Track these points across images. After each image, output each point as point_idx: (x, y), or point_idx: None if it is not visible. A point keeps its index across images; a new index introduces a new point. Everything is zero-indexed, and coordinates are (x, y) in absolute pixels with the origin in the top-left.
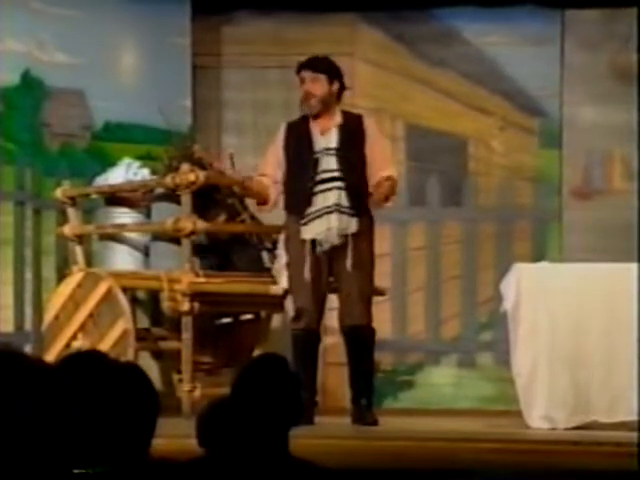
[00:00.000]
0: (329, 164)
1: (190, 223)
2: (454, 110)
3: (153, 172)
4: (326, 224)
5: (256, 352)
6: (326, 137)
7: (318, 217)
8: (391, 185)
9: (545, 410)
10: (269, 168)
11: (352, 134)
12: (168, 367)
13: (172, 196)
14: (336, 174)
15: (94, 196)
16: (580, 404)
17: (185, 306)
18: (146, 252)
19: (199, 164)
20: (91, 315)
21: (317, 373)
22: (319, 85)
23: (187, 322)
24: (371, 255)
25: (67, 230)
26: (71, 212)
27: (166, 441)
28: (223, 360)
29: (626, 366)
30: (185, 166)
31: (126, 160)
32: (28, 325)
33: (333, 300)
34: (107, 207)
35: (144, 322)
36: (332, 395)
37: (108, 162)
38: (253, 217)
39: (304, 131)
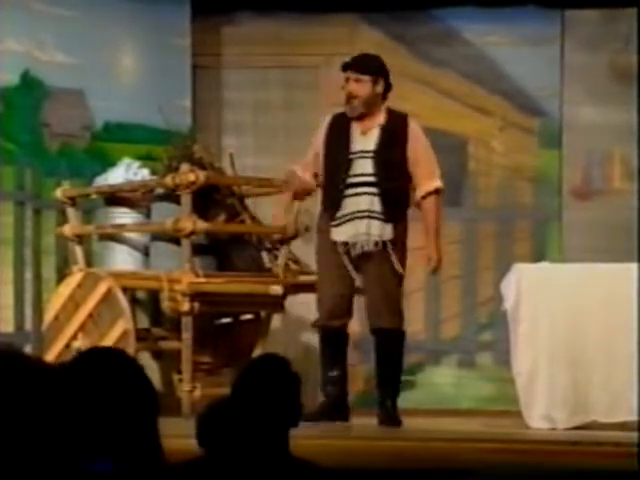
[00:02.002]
0: (364, 167)
1: (190, 223)
2: (454, 110)
3: (153, 172)
4: (356, 229)
5: (256, 352)
6: (366, 138)
7: (349, 221)
8: (437, 261)
9: (545, 410)
10: (307, 158)
11: (394, 136)
12: (168, 367)
13: (172, 196)
14: (370, 179)
15: (94, 196)
16: (580, 404)
17: (185, 306)
18: (146, 252)
19: (199, 164)
20: (91, 315)
21: (346, 372)
22: (362, 86)
23: (187, 322)
24: (404, 260)
25: (67, 230)
26: (71, 212)
27: (166, 441)
28: (223, 360)
29: (626, 366)
30: (185, 166)
31: (126, 160)
32: (28, 325)
33: None
34: (107, 207)
35: (144, 322)
36: None
37: (108, 162)
38: (253, 217)
39: (345, 128)
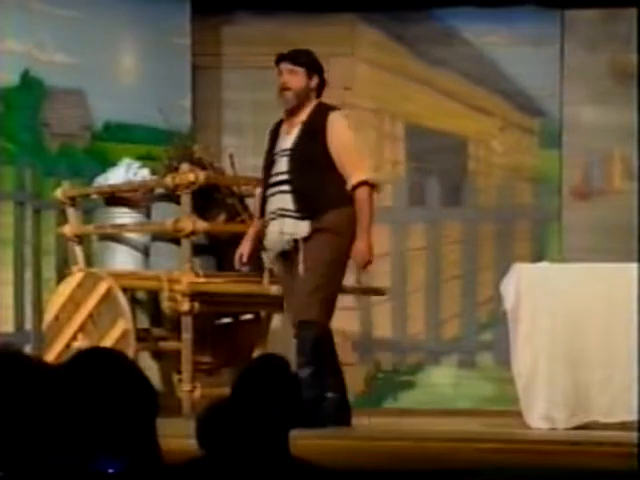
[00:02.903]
0: (281, 166)
1: (190, 223)
2: (454, 110)
3: (153, 172)
4: (272, 229)
5: (256, 352)
6: (289, 136)
7: (270, 222)
8: (363, 255)
9: (545, 410)
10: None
11: (314, 131)
12: (168, 367)
13: (172, 196)
14: (284, 177)
15: (94, 196)
16: (580, 404)
17: (185, 306)
18: (146, 252)
19: (199, 164)
20: (91, 315)
21: (322, 372)
22: (296, 78)
23: (187, 322)
24: (330, 256)
25: (67, 230)
26: (71, 212)
27: (166, 441)
28: (223, 360)
29: (626, 366)
30: (185, 166)
31: (126, 160)
32: (28, 325)
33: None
34: (107, 207)
35: (144, 322)
36: None
37: (108, 162)
38: (253, 217)
39: (275, 131)
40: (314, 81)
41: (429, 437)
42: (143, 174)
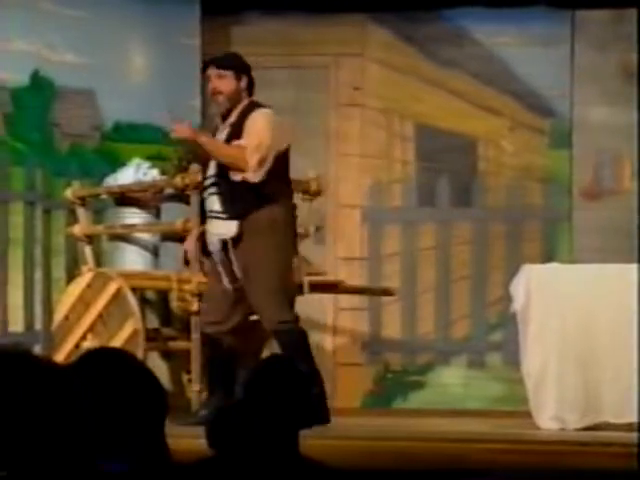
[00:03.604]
0: (211, 169)
1: (197, 224)
2: (464, 110)
3: (163, 172)
4: (208, 230)
5: (265, 352)
6: (220, 140)
7: (207, 223)
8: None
9: (555, 411)
10: None
11: (238, 133)
12: (177, 367)
13: (182, 196)
14: (213, 180)
15: (104, 196)
16: (590, 405)
17: (194, 306)
18: (156, 252)
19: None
20: (101, 315)
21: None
22: (225, 82)
23: (196, 322)
24: (264, 254)
25: (77, 230)
26: (81, 212)
27: (175, 441)
28: None
29: (636, 366)
30: (194, 166)
31: (136, 160)
32: (38, 325)
33: (342, 300)
34: (117, 207)
35: (154, 322)
36: (344, 395)
37: (118, 162)
38: None
39: (213, 134)
40: (243, 82)
41: (438, 437)
42: (153, 174)
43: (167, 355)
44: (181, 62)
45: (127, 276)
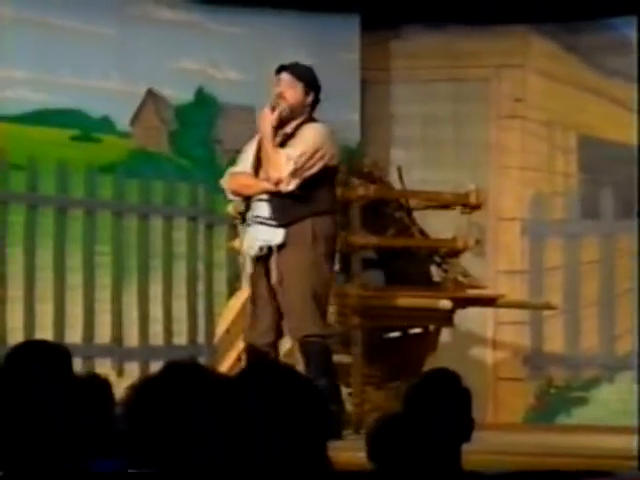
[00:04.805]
0: (262, 174)
1: (360, 237)
2: (628, 120)
3: None
4: (249, 236)
5: (425, 367)
6: None
7: (248, 228)
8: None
9: None
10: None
11: (286, 144)
12: (338, 381)
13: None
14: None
15: None
16: None
17: (354, 320)
18: None
19: (368, 178)
20: None
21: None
22: (294, 92)
23: (356, 336)
24: (305, 266)
25: (238, 245)
26: (242, 227)
27: (335, 454)
28: (392, 374)
29: None
30: (354, 180)
31: None
32: (201, 338)
33: (503, 313)
34: None
35: None
36: (505, 410)
37: None
38: (422, 231)
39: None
40: (310, 97)
41: (602, 454)
42: None
43: None
44: (340, 77)
45: None
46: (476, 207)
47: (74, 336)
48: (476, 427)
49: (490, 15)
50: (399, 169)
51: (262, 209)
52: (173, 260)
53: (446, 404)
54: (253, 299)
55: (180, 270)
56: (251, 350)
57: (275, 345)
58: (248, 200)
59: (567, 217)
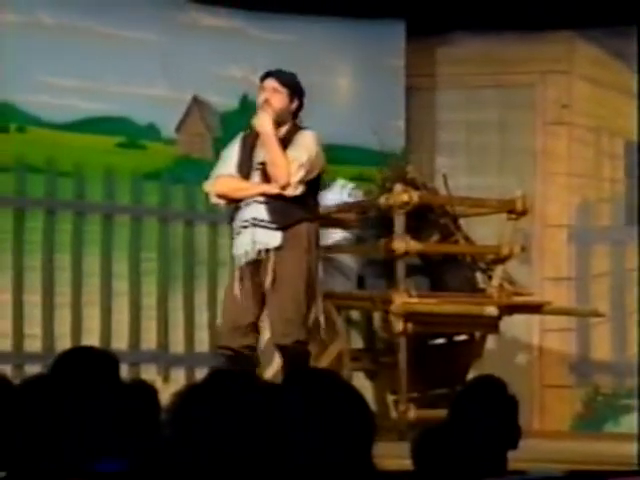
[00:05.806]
0: (254, 178)
1: (403, 244)
2: None
3: (364, 193)
4: (244, 238)
5: (470, 374)
6: (264, 150)
7: (242, 230)
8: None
9: None
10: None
11: (286, 146)
12: (382, 387)
13: (384, 217)
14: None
15: None
16: None
17: (399, 327)
18: (359, 273)
19: (412, 184)
20: None
21: None
22: (279, 98)
23: (401, 343)
24: (300, 269)
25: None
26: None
27: (380, 461)
28: (437, 381)
29: None
30: (398, 186)
31: (340, 181)
32: None
33: (549, 320)
34: (321, 228)
35: (358, 342)
36: (551, 418)
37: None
38: (467, 237)
39: (251, 143)
40: (294, 104)
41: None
42: (357, 195)
43: (372, 376)
44: (386, 83)
45: (332, 296)
46: (522, 214)
47: (120, 342)
48: (522, 435)
49: (536, 21)
50: (444, 176)
51: (259, 212)
52: (218, 266)
53: (492, 411)
54: (239, 300)
55: (225, 276)
56: (231, 355)
57: (255, 348)
58: (236, 203)
59: (614, 224)
